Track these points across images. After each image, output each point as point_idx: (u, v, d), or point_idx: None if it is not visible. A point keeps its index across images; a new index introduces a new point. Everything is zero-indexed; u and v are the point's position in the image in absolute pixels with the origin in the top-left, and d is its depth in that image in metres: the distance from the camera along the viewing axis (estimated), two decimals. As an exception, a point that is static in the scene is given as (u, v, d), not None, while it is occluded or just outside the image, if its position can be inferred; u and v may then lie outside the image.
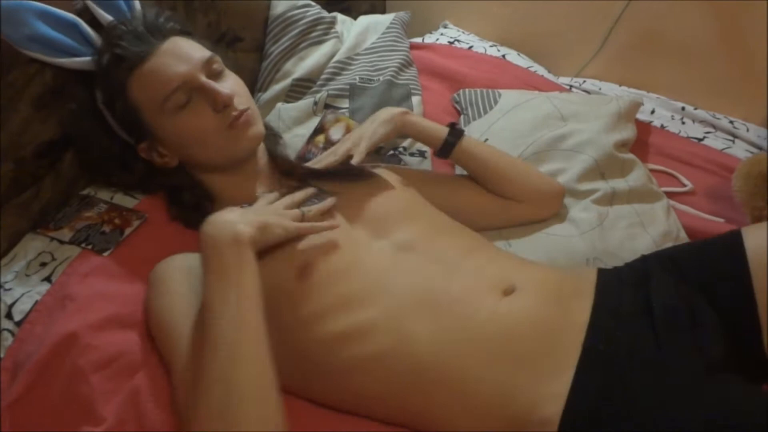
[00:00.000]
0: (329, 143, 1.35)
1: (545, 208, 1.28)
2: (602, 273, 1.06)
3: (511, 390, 0.89)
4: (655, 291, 0.99)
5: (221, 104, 1.06)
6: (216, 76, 1.09)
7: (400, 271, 0.99)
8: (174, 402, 0.92)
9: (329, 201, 1.06)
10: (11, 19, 1.10)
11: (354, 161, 1.15)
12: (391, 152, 1.44)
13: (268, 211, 0.99)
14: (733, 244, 1.02)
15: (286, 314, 0.96)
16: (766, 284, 0.96)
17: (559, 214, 1.30)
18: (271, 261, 0.96)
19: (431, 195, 1.19)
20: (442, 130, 1.24)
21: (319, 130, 1.39)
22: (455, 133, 1.23)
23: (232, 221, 0.91)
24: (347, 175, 1.15)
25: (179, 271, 1.01)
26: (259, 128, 1.12)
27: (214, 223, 0.91)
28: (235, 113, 1.07)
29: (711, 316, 0.97)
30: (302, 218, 1.01)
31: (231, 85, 1.10)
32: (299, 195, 1.06)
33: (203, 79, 1.06)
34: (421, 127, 1.24)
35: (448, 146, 1.23)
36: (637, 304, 0.99)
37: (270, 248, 0.96)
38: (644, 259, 1.10)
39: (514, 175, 1.25)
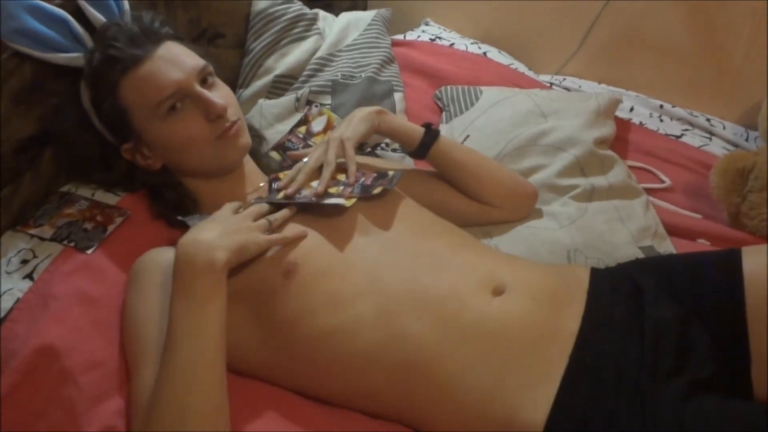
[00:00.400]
0: (309, 134, 1.37)
1: (518, 211, 1.28)
2: (595, 276, 1.05)
3: (496, 391, 0.89)
4: (648, 307, 0.98)
5: (215, 114, 1.07)
6: (209, 84, 1.10)
7: (388, 268, 0.99)
8: (128, 406, 0.92)
9: (286, 211, 1.03)
10: None
11: (318, 191, 1.08)
12: (369, 150, 1.45)
13: (236, 224, 0.96)
14: (730, 267, 1.00)
15: (273, 312, 0.96)
16: (759, 314, 0.94)
17: (538, 210, 1.31)
18: (257, 261, 0.97)
19: (409, 191, 1.19)
20: (418, 130, 1.21)
21: (303, 121, 1.40)
22: (431, 133, 1.21)
23: (210, 245, 0.89)
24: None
25: (156, 268, 1.01)
26: (246, 139, 1.13)
27: (191, 243, 0.90)
28: (227, 124, 1.08)
29: (703, 339, 0.95)
30: (269, 227, 0.99)
31: (224, 95, 1.11)
32: (265, 206, 1.03)
33: (198, 87, 1.07)
34: (397, 126, 1.22)
35: (424, 147, 1.21)
36: (629, 317, 0.98)
37: None
38: (639, 266, 1.08)
39: (487, 179, 1.24)
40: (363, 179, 1.10)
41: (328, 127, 1.37)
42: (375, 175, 1.12)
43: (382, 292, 0.96)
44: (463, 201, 1.24)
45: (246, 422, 0.91)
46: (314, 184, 1.08)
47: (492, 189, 1.24)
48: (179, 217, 1.07)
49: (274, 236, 0.98)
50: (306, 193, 1.07)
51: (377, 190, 1.06)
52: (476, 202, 1.24)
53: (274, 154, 1.33)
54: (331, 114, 1.40)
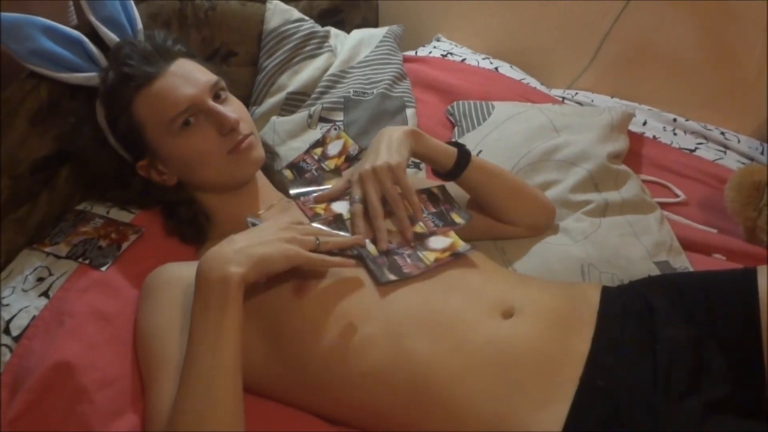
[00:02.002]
0: (324, 156, 1.36)
1: (536, 228, 1.26)
2: (606, 296, 1.04)
3: (505, 414, 0.88)
4: (661, 327, 0.96)
5: (228, 128, 1.08)
6: (221, 100, 1.12)
7: (399, 289, 0.98)
8: (145, 420, 0.92)
9: (353, 239, 1.02)
10: (16, 33, 1.12)
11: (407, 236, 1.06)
12: None
13: (271, 234, 0.94)
14: (745, 287, 0.98)
15: (282, 328, 0.97)
16: None
17: (552, 226, 1.30)
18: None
19: None
20: (452, 151, 1.14)
21: (321, 142, 1.39)
22: (465, 154, 1.15)
23: (225, 259, 0.89)
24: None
25: (171, 283, 1.01)
26: (260, 152, 1.14)
27: (210, 258, 0.90)
28: (239, 137, 1.09)
29: (717, 360, 0.93)
30: (315, 247, 0.97)
31: (236, 109, 1.12)
32: (324, 230, 1.01)
33: (210, 102, 1.08)
34: (433, 147, 1.14)
35: (459, 168, 1.14)
36: (640, 337, 0.96)
37: None
38: (650, 285, 1.07)
39: (514, 199, 1.21)
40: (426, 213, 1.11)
41: (344, 151, 1.36)
42: (431, 212, 1.11)
43: (393, 312, 0.95)
44: (481, 218, 1.22)
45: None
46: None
47: (517, 208, 1.22)
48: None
49: (317, 256, 0.96)
50: (392, 245, 1.03)
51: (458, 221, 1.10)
52: (496, 220, 1.23)
53: (288, 173, 1.33)
54: (348, 139, 1.38)
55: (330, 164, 1.35)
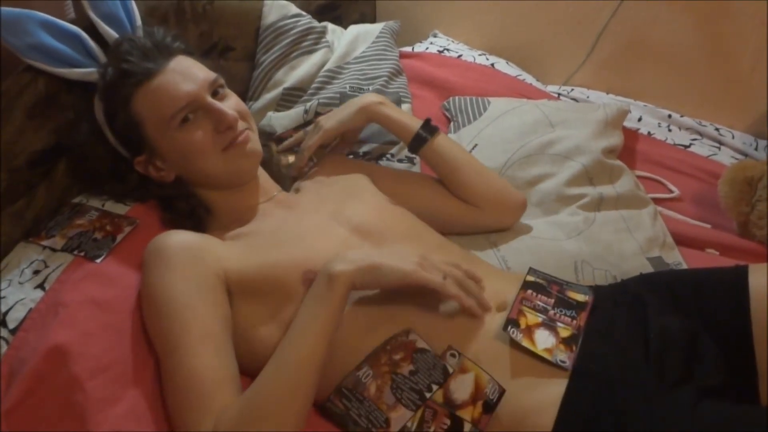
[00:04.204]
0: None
1: (504, 217, 1.28)
2: (597, 292, 1.05)
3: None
4: (653, 317, 0.98)
5: (225, 125, 1.09)
6: (220, 96, 1.12)
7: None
8: (172, 390, 0.92)
9: (486, 305, 0.99)
10: (14, 28, 1.12)
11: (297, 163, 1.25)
12: (373, 160, 1.45)
13: (409, 258, 0.94)
14: (736, 286, 0.99)
15: (290, 316, 0.98)
16: (765, 333, 0.94)
17: (545, 219, 1.31)
18: (279, 263, 1.01)
19: (393, 192, 1.21)
20: (415, 123, 1.24)
21: (311, 122, 1.41)
22: (429, 128, 1.22)
23: (341, 258, 0.93)
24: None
25: (182, 247, 1.01)
26: (255, 146, 1.14)
27: (334, 258, 0.94)
28: (235, 134, 1.10)
29: (711, 349, 0.95)
30: (458, 280, 0.96)
31: (234, 105, 1.13)
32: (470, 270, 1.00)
33: (209, 99, 1.09)
34: (391, 116, 1.25)
35: (419, 140, 1.23)
36: (632, 326, 0.98)
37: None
38: (642, 283, 1.08)
39: (478, 180, 1.25)
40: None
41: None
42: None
43: (393, 305, 0.98)
44: (448, 201, 1.25)
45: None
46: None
47: (481, 190, 1.24)
48: None
49: (451, 286, 0.94)
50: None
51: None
52: (462, 202, 1.25)
53: (273, 146, 1.36)
54: None
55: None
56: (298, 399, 0.87)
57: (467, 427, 0.90)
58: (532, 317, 0.98)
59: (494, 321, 0.98)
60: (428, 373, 0.93)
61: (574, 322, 0.99)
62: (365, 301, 0.99)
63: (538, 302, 1.01)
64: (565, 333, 0.97)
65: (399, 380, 0.92)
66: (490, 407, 0.90)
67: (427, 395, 0.91)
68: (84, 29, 1.20)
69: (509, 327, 0.96)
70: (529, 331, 0.96)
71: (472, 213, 1.25)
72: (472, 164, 1.26)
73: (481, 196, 1.24)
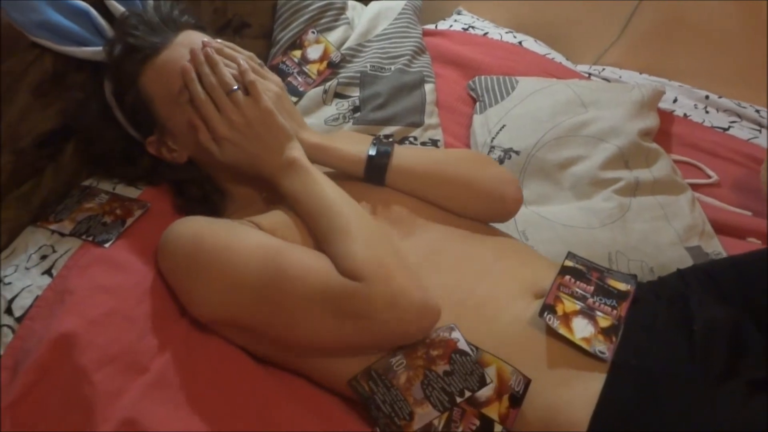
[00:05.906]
0: (304, 60, 1.37)
1: (497, 219, 1.15)
2: (638, 288, 1.01)
3: (535, 390, 0.87)
4: (696, 308, 0.95)
5: None
6: None
7: (432, 273, 0.96)
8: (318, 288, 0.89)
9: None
10: (20, 4, 1.09)
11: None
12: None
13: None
14: None
15: None
16: None
17: (578, 204, 1.26)
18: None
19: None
20: (359, 159, 1.05)
21: (297, 45, 1.37)
22: (382, 150, 1.04)
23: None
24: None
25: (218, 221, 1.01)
26: None
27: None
28: None
29: (756, 338, 0.92)
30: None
31: None
32: None
33: None
34: (333, 160, 1.07)
35: (376, 169, 1.04)
36: (674, 319, 0.94)
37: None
38: (681, 276, 1.05)
39: (458, 200, 1.09)
40: None
41: (325, 56, 1.38)
42: None
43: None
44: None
45: (273, 413, 0.91)
46: None
47: (465, 206, 1.09)
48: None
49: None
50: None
51: None
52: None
53: None
54: (330, 45, 1.39)
55: (312, 69, 1.36)
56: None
57: (497, 428, 0.85)
58: (569, 304, 0.93)
59: (530, 308, 0.94)
60: (464, 378, 0.87)
61: (615, 312, 0.93)
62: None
63: (577, 289, 0.96)
64: (604, 323, 0.91)
65: (432, 377, 0.87)
66: (516, 400, 0.85)
67: (458, 400, 0.86)
68: (92, 5, 1.17)
69: (545, 313, 0.91)
70: (566, 318, 0.91)
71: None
72: (444, 184, 1.09)
73: (467, 211, 1.10)
